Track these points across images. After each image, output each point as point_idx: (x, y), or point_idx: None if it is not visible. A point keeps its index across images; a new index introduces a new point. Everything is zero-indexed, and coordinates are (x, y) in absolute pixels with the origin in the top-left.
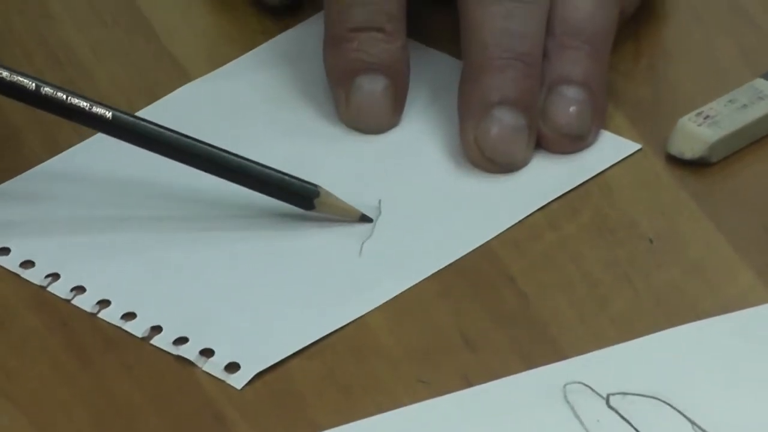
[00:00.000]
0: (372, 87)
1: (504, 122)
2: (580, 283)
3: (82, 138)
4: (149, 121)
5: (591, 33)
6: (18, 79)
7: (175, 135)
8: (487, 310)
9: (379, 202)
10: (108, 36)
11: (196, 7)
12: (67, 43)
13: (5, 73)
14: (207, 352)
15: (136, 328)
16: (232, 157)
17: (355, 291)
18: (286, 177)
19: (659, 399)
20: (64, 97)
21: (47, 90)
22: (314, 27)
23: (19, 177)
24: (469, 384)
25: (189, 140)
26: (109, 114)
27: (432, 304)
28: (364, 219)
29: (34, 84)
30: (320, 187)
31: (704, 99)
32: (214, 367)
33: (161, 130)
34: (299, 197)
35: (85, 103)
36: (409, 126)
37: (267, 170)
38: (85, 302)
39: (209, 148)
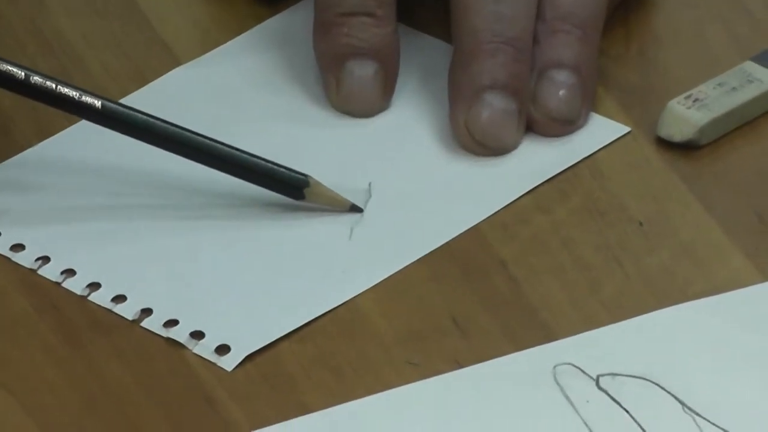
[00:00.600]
0: (362, 72)
1: (494, 106)
2: (571, 267)
3: (72, 122)
4: (139, 111)
5: (581, 17)
6: (7, 68)
7: (164, 125)
8: (478, 294)
9: (369, 185)
10: (100, 23)
11: None
12: (60, 31)
13: None
14: (197, 335)
15: (127, 311)
16: (222, 146)
17: (345, 273)
18: (275, 166)
19: (649, 380)
20: (54, 86)
21: (37, 79)
22: (304, 11)
23: (9, 161)
24: (459, 367)
25: (178, 130)
26: (98, 103)
27: (422, 287)
28: (354, 209)
29: (23, 73)
30: (310, 176)
31: (694, 82)
32: (204, 349)
33: (151, 119)
34: (288, 187)
35: (74, 93)
36: (399, 110)
37: (256, 160)
38: (75, 285)
39: (198, 137)
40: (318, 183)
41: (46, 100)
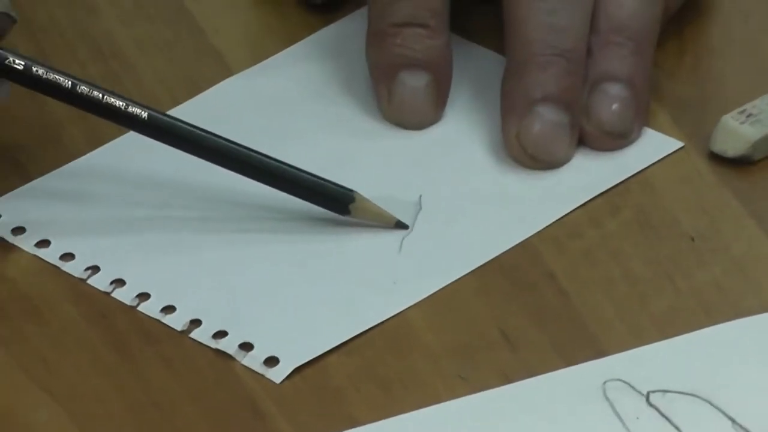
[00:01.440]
0: (415, 83)
1: (546, 119)
2: (621, 281)
3: (123, 132)
4: (185, 122)
5: (635, 30)
6: (54, 77)
7: (210, 137)
8: (527, 308)
9: (420, 197)
10: (151, 30)
11: (240, 1)
12: (111, 37)
13: (41, 71)
14: (246, 346)
15: (176, 322)
16: (268, 160)
17: (394, 286)
18: (322, 181)
19: (699, 396)
20: (100, 96)
21: (83, 88)
22: (357, 22)
23: (59, 170)
24: (508, 381)
25: (224, 142)
26: (144, 114)
27: (472, 300)
28: (400, 225)
29: (70, 82)
30: (356, 192)
31: (747, 97)
32: (253, 361)
33: (196, 131)
34: (335, 202)
35: (121, 103)
36: (451, 122)
37: (302, 174)
38: (124, 295)
39: (245, 150)
40: (364, 198)
41: (93, 109)
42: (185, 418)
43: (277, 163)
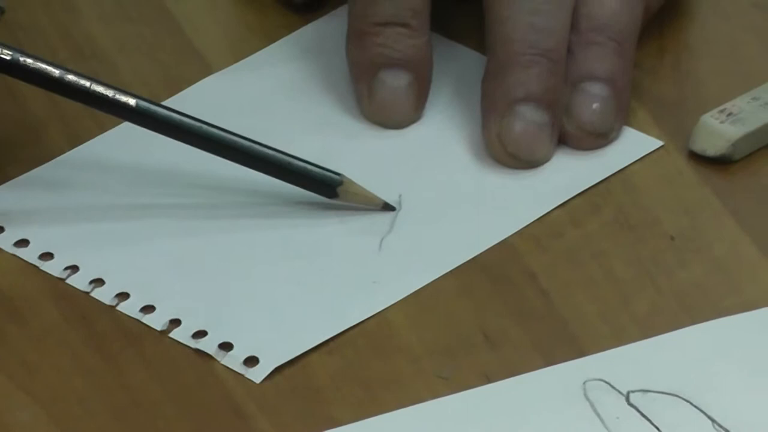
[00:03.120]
0: (395, 82)
1: (527, 118)
2: (602, 281)
3: (103, 130)
4: (172, 109)
5: (616, 30)
6: (42, 66)
7: (197, 122)
8: (508, 307)
9: (400, 196)
10: (132, 29)
11: (220, 1)
12: (91, 37)
13: (29, 61)
14: (226, 346)
15: (155, 321)
16: (255, 145)
17: (375, 286)
18: (310, 165)
19: (680, 396)
20: (88, 84)
21: (71, 78)
22: (337, 20)
23: (38, 168)
24: (488, 381)
25: (212, 128)
26: (132, 101)
27: (452, 300)
28: (387, 207)
29: (58, 71)
30: (343, 175)
31: (727, 96)
32: (233, 360)
33: (184, 117)
34: (322, 185)
35: (108, 91)
36: (431, 121)
37: (290, 158)
38: (104, 295)
39: (232, 135)
40: (351, 182)
41: (80, 98)
42: (166, 419)
43: (264, 148)
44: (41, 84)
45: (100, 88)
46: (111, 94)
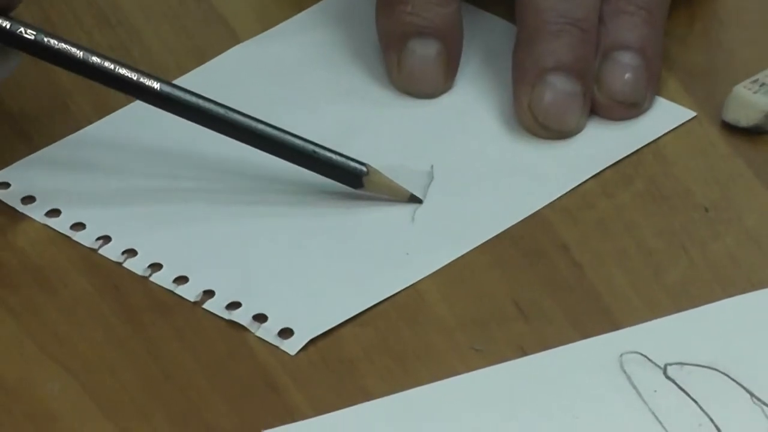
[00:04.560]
0: (425, 51)
1: (558, 88)
2: (635, 252)
3: (131, 100)
4: (197, 94)
5: None
6: (66, 48)
7: (222, 109)
8: (540, 279)
9: (431, 167)
10: None
11: None
12: (117, 5)
13: (53, 41)
14: (260, 318)
15: (188, 292)
16: (281, 133)
17: (407, 258)
18: (335, 155)
19: (717, 369)
20: (112, 67)
21: (95, 59)
22: None
23: (67, 138)
24: (523, 353)
25: (237, 115)
26: (156, 85)
27: (484, 272)
28: (413, 199)
29: (81, 53)
30: (369, 165)
31: (760, 66)
32: (267, 332)
33: (209, 104)
34: (347, 175)
35: (132, 74)
36: (461, 91)
37: (315, 147)
38: (136, 265)
39: (257, 123)
40: (377, 172)
41: (104, 80)
42: (198, 390)
43: (290, 136)
44: (65, 65)
45: (124, 71)
46: (135, 77)
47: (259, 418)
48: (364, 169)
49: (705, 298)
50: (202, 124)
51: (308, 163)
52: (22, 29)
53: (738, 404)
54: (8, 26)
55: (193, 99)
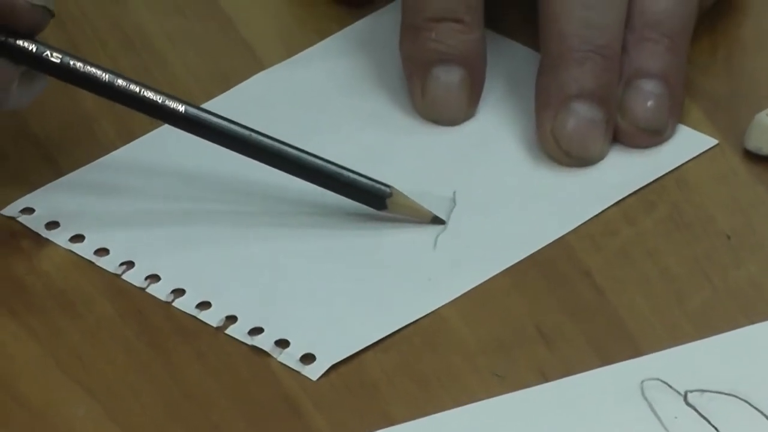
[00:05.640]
0: (448, 78)
1: (581, 115)
2: (657, 279)
3: (155, 126)
4: (221, 117)
5: (670, 26)
6: (91, 71)
7: (247, 131)
8: (563, 305)
9: (454, 193)
10: (183, 23)
11: None
12: (142, 29)
13: (79, 65)
14: (282, 343)
15: (211, 318)
16: (305, 155)
17: (430, 283)
18: (359, 176)
19: (738, 397)
20: (138, 90)
21: (120, 82)
22: (390, 15)
23: (92, 164)
24: (545, 378)
25: (261, 137)
26: (181, 108)
27: (507, 297)
28: (436, 221)
29: (107, 76)
30: (393, 187)
31: None
32: (289, 357)
33: (233, 126)
34: (371, 197)
35: (158, 97)
36: (485, 117)
37: (339, 169)
38: (159, 291)
39: (281, 145)
40: (400, 194)
41: (129, 103)
42: (221, 414)
43: (314, 158)
44: (90, 88)
45: (149, 94)
46: (160, 100)
47: None
48: (388, 190)
49: (727, 325)
50: (226, 146)
51: (332, 185)
52: (48, 52)
53: (758, 431)
54: (34, 49)
55: (218, 121)
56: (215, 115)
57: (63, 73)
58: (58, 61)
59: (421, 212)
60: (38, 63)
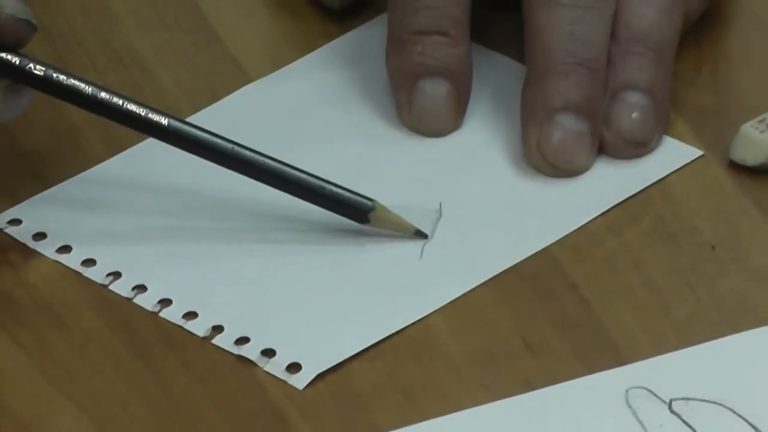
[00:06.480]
0: (434, 91)
1: (567, 128)
2: (642, 290)
3: (143, 138)
4: (205, 130)
5: (655, 39)
6: (74, 84)
7: (229, 145)
8: (549, 316)
9: (440, 204)
10: (170, 38)
11: (258, 9)
12: (130, 45)
13: (62, 77)
14: (268, 353)
15: (198, 328)
16: (289, 168)
17: (416, 293)
18: (341, 190)
19: (722, 405)
20: (121, 102)
21: (104, 95)
22: (376, 29)
23: (79, 176)
24: (530, 388)
25: (244, 150)
26: (164, 121)
27: (493, 308)
28: (419, 234)
29: (90, 88)
30: (375, 201)
31: (766, 105)
32: (275, 367)
33: (216, 139)
34: (354, 210)
35: (141, 110)
36: (471, 130)
37: (322, 183)
38: (146, 301)
39: (265, 158)
40: (383, 208)
41: (113, 116)
42: (208, 424)
43: (298, 172)
44: (74, 101)
45: (133, 107)
46: (143, 113)
47: None
48: (371, 204)
49: (711, 335)
50: (209, 160)
51: (315, 199)
52: (31, 65)
53: None
54: (18, 62)
55: (201, 134)
56: (198, 128)
57: (47, 86)
58: (42, 73)
59: (404, 226)
60: (22, 76)
